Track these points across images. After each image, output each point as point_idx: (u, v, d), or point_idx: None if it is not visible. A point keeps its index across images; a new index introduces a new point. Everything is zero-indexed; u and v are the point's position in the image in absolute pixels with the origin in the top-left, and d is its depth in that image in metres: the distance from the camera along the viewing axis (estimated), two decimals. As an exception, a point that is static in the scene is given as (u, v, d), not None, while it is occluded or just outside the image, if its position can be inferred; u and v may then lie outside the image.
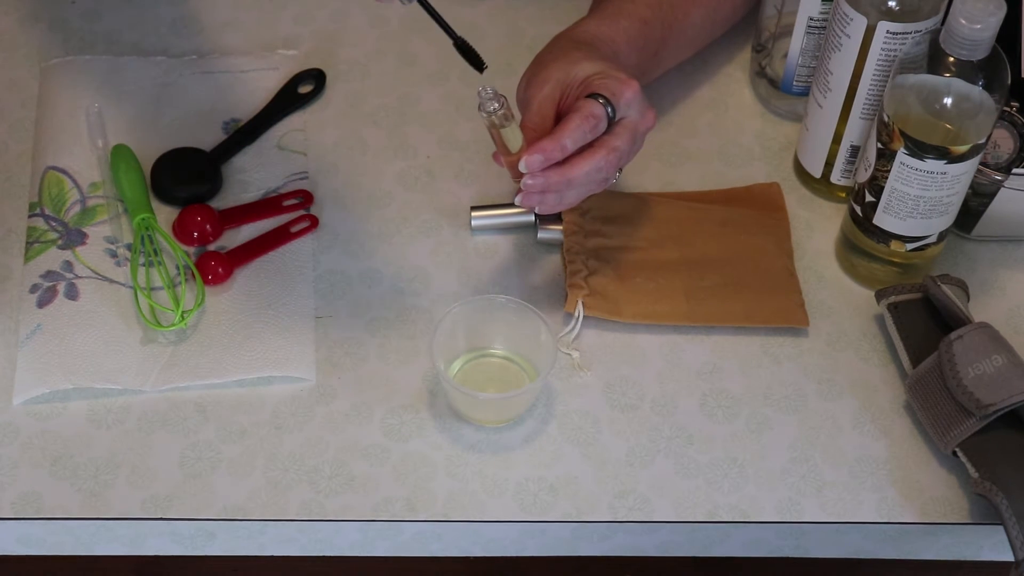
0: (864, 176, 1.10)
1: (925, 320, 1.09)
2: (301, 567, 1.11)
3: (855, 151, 1.16)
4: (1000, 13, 0.99)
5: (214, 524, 1.01)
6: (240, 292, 1.12)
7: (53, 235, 1.13)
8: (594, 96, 1.04)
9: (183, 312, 1.08)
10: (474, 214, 1.16)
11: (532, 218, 1.16)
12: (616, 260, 1.13)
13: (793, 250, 1.17)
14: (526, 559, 1.06)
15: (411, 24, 1.30)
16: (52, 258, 1.12)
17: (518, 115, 1.06)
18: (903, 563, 1.09)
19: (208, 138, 1.21)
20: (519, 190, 1.04)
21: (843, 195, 1.20)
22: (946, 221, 1.10)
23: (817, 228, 1.19)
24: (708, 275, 1.13)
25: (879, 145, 1.07)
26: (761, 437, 1.07)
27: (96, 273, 1.11)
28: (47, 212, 1.15)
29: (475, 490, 1.03)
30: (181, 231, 1.14)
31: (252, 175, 1.19)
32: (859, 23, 1.08)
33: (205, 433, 1.05)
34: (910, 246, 1.11)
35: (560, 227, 1.15)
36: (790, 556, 1.07)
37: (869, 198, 1.10)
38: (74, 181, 1.17)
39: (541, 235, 1.15)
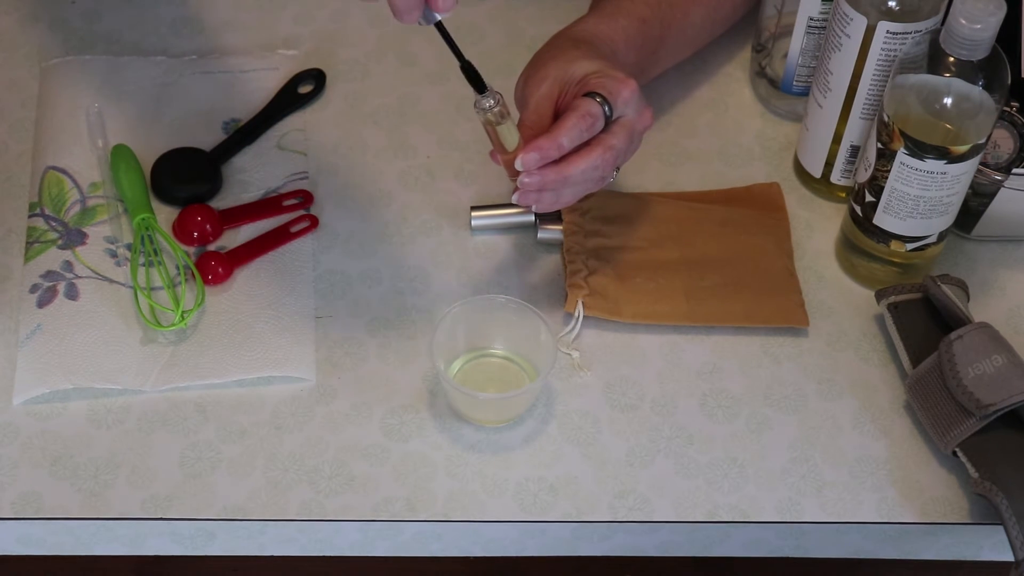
0: (864, 176, 1.10)
1: (925, 320, 1.09)
2: (301, 567, 1.11)
3: (855, 151, 1.16)
4: (1000, 13, 0.99)
5: (214, 524, 1.01)
6: (240, 292, 1.12)
7: (53, 235, 1.13)
8: (591, 95, 1.04)
9: (183, 312, 1.08)
10: (474, 214, 1.16)
11: (532, 218, 1.16)
12: (616, 260, 1.13)
13: (793, 250, 1.17)
14: (526, 559, 1.06)
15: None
16: (52, 258, 1.12)
17: (515, 113, 1.06)
18: (903, 563, 1.09)
19: (208, 138, 1.21)
20: (515, 188, 1.04)
21: (843, 195, 1.20)
22: (946, 221, 1.10)
23: (817, 228, 1.19)
24: (708, 275, 1.13)
25: (879, 145, 1.07)
26: (761, 437, 1.07)
27: (96, 273, 1.11)
28: (47, 212, 1.15)
29: (475, 490, 1.03)
30: (181, 231, 1.14)
31: (252, 175, 1.19)
32: (859, 23, 1.08)
33: (205, 433, 1.05)
34: (910, 246, 1.11)
35: (560, 227, 1.15)
36: (790, 556, 1.07)
37: (869, 198, 1.10)
38: (74, 181, 1.17)
39: (541, 235, 1.15)
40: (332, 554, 1.05)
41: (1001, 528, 1.00)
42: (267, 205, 1.17)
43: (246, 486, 1.02)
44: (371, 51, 1.29)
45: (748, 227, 1.17)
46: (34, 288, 1.10)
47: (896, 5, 1.07)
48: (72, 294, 1.10)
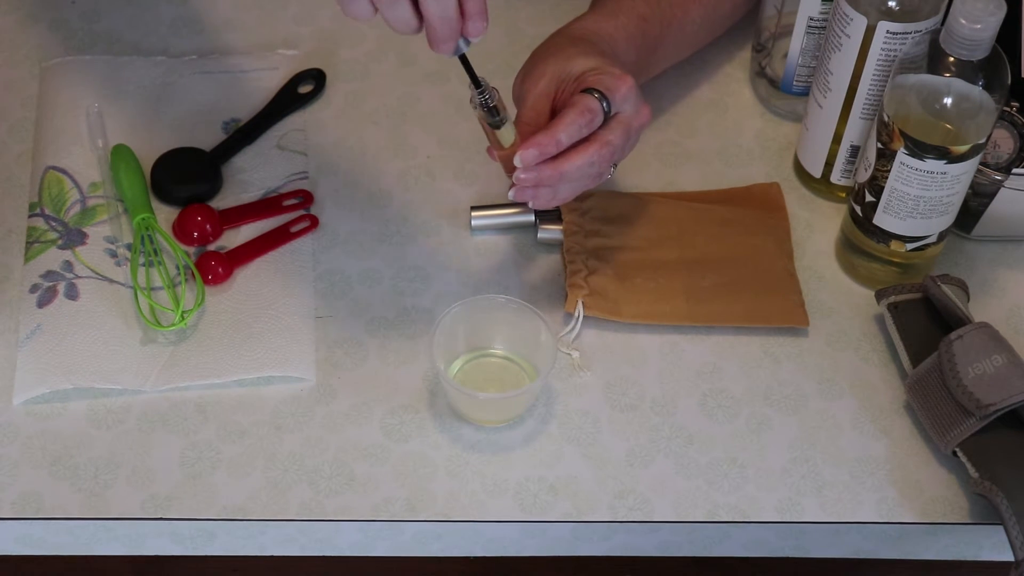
0: (864, 176, 1.10)
1: (925, 320, 1.09)
2: (301, 567, 1.11)
3: (855, 151, 1.16)
4: (1000, 13, 0.99)
5: (214, 524, 1.01)
6: (240, 292, 1.12)
7: (53, 235, 1.13)
8: (589, 91, 1.04)
9: (183, 312, 1.08)
10: (474, 214, 1.16)
11: (532, 218, 1.16)
12: (616, 260, 1.13)
13: (793, 250, 1.17)
14: (526, 559, 1.06)
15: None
16: (52, 258, 1.12)
17: (512, 110, 1.06)
18: (903, 563, 1.09)
19: (208, 138, 1.21)
20: (512, 184, 1.04)
21: (843, 195, 1.20)
22: (946, 221, 1.10)
23: (817, 228, 1.19)
24: (708, 275, 1.13)
25: (879, 145, 1.07)
26: (761, 437, 1.07)
27: (96, 273, 1.11)
28: (47, 212, 1.15)
29: (475, 490, 1.03)
30: (181, 231, 1.14)
31: (252, 175, 1.19)
32: (859, 23, 1.08)
33: (205, 433, 1.05)
34: (910, 246, 1.11)
35: (560, 227, 1.15)
36: (790, 556, 1.07)
37: (869, 198, 1.10)
38: (74, 181, 1.17)
39: (541, 235, 1.15)
40: (332, 554, 1.05)
41: (1001, 528, 1.00)
42: (267, 205, 1.17)
43: (246, 486, 1.02)
44: (371, 51, 1.29)
45: (748, 227, 1.17)
46: (34, 288, 1.10)
47: (896, 5, 1.07)
48: (72, 294, 1.10)
